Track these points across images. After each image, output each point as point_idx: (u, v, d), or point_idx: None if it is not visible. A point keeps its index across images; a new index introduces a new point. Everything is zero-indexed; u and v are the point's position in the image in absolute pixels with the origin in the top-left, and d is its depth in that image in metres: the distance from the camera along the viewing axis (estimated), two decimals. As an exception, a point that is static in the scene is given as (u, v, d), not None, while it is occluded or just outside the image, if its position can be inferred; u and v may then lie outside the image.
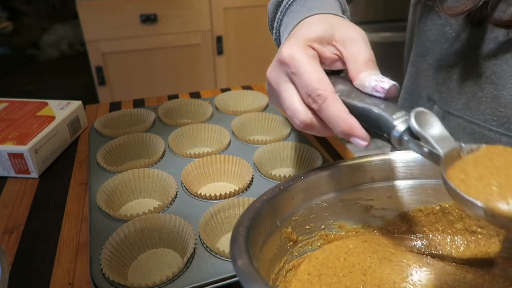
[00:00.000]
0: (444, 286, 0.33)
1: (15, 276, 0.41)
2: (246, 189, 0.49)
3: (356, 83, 0.32)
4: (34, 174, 0.56)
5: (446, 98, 0.52)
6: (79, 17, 1.59)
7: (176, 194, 0.48)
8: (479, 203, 0.24)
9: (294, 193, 0.33)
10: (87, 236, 0.45)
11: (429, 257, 0.35)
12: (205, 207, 0.44)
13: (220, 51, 1.82)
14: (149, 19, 1.65)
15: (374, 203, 0.36)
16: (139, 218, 0.42)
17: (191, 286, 0.36)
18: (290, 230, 0.33)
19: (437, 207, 0.36)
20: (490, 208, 0.23)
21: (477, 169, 0.26)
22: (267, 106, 0.70)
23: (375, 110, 0.30)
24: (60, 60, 2.49)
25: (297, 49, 0.33)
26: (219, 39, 1.80)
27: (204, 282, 0.36)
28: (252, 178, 0.51)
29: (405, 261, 0.35)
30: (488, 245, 0.34)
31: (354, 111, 0.31)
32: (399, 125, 0.28)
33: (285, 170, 0.56)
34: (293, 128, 0.62)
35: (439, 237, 0.36)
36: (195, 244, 0.40)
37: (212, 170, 0.53)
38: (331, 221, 0.36)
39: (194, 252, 0.40)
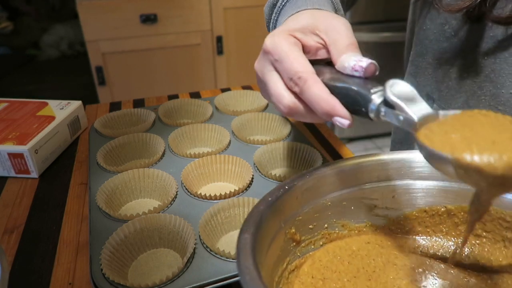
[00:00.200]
0: None
1: (15, 276, 0.41)
2: (246, 189, 0.49)
3: (337, 65, 0.33)
4: (34, 174, 0.56)
5: (445, 96, 0.52)
6: (79, 17, 1.59)
7: (176, 194, 0.48)
8: (447, 155, 0.23)
9: (299, 193, 0.33)
10: (87, 236, 0.45)
11: (432, 259, 0.35)
12: (205, 207, 0.44)
13: (220, 51, 1.83)
14: (149, 19, 1.65)
15: (378, 202, 0.36)
16: (139, 218, 0.42)
17: (191, 286, 0.36)
18: (293, 230, 0.33)
19: (442, 209, 0.35)
20: (456, 159, 0.23)
21: (442, 126, 0.26)
22: (267, 106, 0.70)
23: (354, 87, 0.30)
24: (60, 60, 2.49)
25: (278, 38, 0.34)
26: (219, 39, 1.80)
27: (204, 282, 0.37)
28: (252, 178, 0.51)
29: (408, 264, 0.34)
30: (492, 250, 0.34)
31: (335, 91, 0.31)
32: (376, 98, 0.29)
33: (285, 170, 0.56)
34: (293, 128, 0.62)
35: (442, 239, 0.36)
36: (195, 244, 0.40)
37: (212, 170, 0.53)
38: (334, 220, 0.36)
39: (194, 252, 0.40)
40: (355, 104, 0.30)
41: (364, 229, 0.37)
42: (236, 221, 0.45)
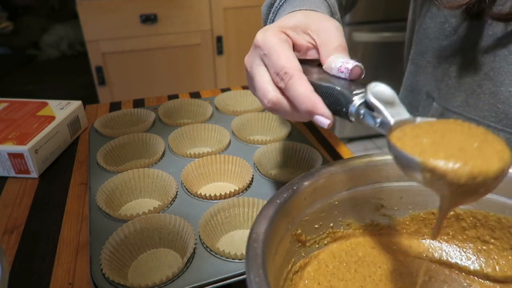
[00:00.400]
0: None
1: (15, 276, 0.41)
2: (246, 189, 0.49)
3: (325, 66, 0.34)
4: (34, 174, 0.56)
5: (445, 95, 0.52)
6: (79, 17, 1.59)
7: (176, 194, 0.48)
8: (414, 158, 0.24)
9: (307, 193, 0.32)
10: (87, 236, 0.45)
11: (437, 264, 0.35)
12: (205, 207, 0.44)
13: (220, 51, 1.83)
14: (149, 19, 1.65)
15: (385, 203, 0.36)
16: (139, 218, 0.42)
17: (191, 286, 0.36)
18: (300, 231, 0.32)
19: (451, 212, 0.35)
20: (422, 162, 0.23)
21: (415, 129, 0.26)
22: (267, 106, 0.70)
23: (338, 88, 0.31)
24: (60, 60, 2.49)
25: (270, 34, 0.34)
26: (219, 39, 1.80)
27: (204, 282, 0.36)
28: (252, 178, 0.51)
29: (414, 272, 0.34)
30: (499, 258, 0.33)
31: (319, 90, 0.32)
32: (357, 100, 0.29)
33: (285, 170, 0.56)
34: (293, 128, 0.62)
35: (448, 242, 0.36)
36: (195, 244, 0.40)
37: (212, 170, 0.53)
38: (340, 219, 0.35)
39: (194, 252, 0.40)
40: (337, 104, 0.31)
41: (369, 228, 0.36)
42: (236, 221, 0.45)
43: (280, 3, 0.44)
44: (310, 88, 0.31)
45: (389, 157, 0.35)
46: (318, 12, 0.38)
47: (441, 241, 0.36)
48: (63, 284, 0.40)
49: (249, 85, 0.38)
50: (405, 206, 0.36)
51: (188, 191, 0.49)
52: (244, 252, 0.38)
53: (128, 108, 0.69)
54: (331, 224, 0.35)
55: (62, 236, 0.46)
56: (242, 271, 0.38)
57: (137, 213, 0.44)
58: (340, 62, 0.32)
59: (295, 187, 0.31)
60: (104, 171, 0.53)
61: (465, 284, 0.33)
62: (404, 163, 0.25)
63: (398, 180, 0.35)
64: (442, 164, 0.23)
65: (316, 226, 0.34)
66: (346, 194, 0.34)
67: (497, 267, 0.33)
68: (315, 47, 0.36)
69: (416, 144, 0.25)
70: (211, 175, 0.53)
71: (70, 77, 2.26)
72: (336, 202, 0.34)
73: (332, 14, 0.43)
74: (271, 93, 0.33)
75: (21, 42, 2.52)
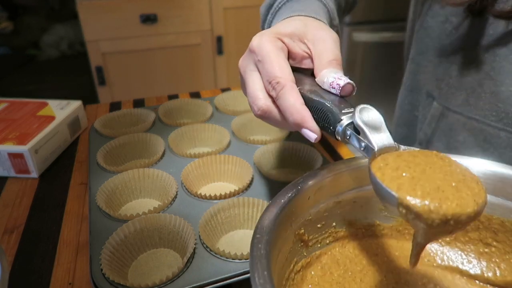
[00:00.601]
0: None
1: (15, 276, 0.41)
2: (246, 189, 0.49)
3: (317, 79, 0.34)
4: (34, 174, 0.56)
5: (445, 94, 0.52)
6: (79, 17, 1.59)
7: (176, 194, 0.48)
8: (392, 192, 0.24)
9: (312, 192, 0.32)
10: (87, 236, 0.45)
11: (439, 269, 0.35)
12: (205, 207, 0.44)
13: (220, 51, 1.83)
14: (149, 19, 1.65)
15: None
16: (139, 218, 0.42)
17: (191, 286, 0.36)
18: (303, 231, 0.32)
19: None
20: (399, 198, 0.23)
21: (397, 160, 0.26)
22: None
23: (328, 104, 0.31)
24: (60, 60, 2.49)
25: (266, 40, 0.34)
26: (219, 39, 1.80)
27: (204, 282, 0.36)
28: (252, 178, 0.51)
29: (419, 280, 0.34)
30: (500, 261, 0.33)
31: (310, 104, 0.32)
32: (345, 120, 0.30)
33: (285, 170, 0.56)
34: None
35: (449, 244, 0.35)
36: (195, 244, 0.40)
37: (212, 170, 0.53)
38: (343, 218, 0.35)
39: (194, 252, 0.40)
40: (325, 121, 0.31)
41: (372, 228, 0.36)
42: (236, 221, 0.45)
43: (279, 5, 0.44)
44: (300, 100, 0.31)
45: None
46: (317, 20, 0.38)
47: (442, 243, 0.36)
48: (63, 284, 0.40)
49: (242, 88, 0.38)
50: None
51: (188, 191, 0.49)
52: (244, 252, 0.38)
53: (128, 108, 0.69)
54: (334, 224, 0.35)
55: (62, 236, 0.46)
56: (242, 271, 0.38)
57: (137, 213, 0.44)
58: (333, 78, 0.32)
59: (299, 186, 0.31)
60: (104, 171, 0.53)
61: None
62: (382, 195, 0.25)
63: None
64: (417, 203, 0.23)
65: (319, 225, 0.34)
66: (350, 194, 0.34)
67: (497, 271, 0.33)
68: (310, 57, 0.36)
69: (396, 177, 0.25)
70: (211, 175, 0.53)
71: (70, 77, 2.26)
72: (340, 202, 0.34)
73: (331, 20, 0.43)
74: (262, 101, 0.33)
75: (21, 42, 2.51)
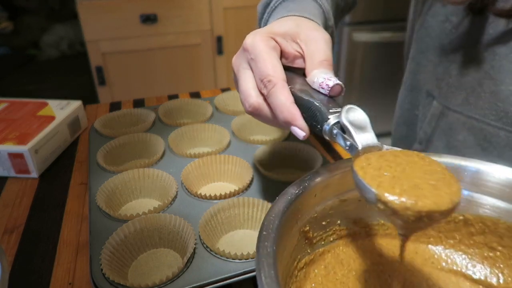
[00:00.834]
0: None
1: (15, 276, 0.41)
2: (246, 189, 0.49)
3: (308, 78, 0.34)
4: (34, 174, 0.56)
5: (445, 93, 0.52)
6: (79, 17, 1.59)
7: (176, 194, 0.48)
8: (372, 189, 0.25)
9: (318, 190, 0.32)
10: (87, 236, 0.45)
11: (443, 272, 0.34)
12: (205, 207, 0.44)
13: (220, 51, 1.83)
14: (149, 19, 1.65)
15: None
16: (139, 218, 0.42)
17: (191, 286, 0.36)
18: (308, 228, 0.32)
19: (460, 217, 0.34)
20: (378, 194, 0.24)
21: (379, 160, 0.27)
22: (267, 106, 0.70)
23: (316, 103, 0.32)
24: (60, 60, 2.49)
25: (259, 39, 0.35)
26: (219, 39, 1.80)
27: (204, 282, 0.36)
28: (252, 178, 0.51)
29: (424, 282, 0.33)
30: (504, 266, 0.33)
31: (300, 102, 0.32)
32: (332, 119, 0.30)
33: (285, 170, 0.56)
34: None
35: (453, 247, 0.35)
36: (195, 244, 0.40)
37: (212, 170, 0.53)
38: (348, 216, 0.35)
39: (194, 252, 0.40)
40: (313, 120, 0.32)
41: (376, 227, 0.36)
42: (236, 221, 0.45)
43: (276, 4, 0.45)
44: (291, 99, 0.32)
45: None
46: (311, 21, 0.39)
47: (447, 246, 0.36)
48: (63, 284, 0.40)
49: (235, 85, 0.39)
50: None
51: (188, 191, 0.49)
52: (244, 252, 0.38)
53: (128, 108, 0.69)
54: (338, 222, 0.35)
55: (62, 236, 0.46)
56: (242, 271, 0.38)
57: (137, 213, 0.44)
58: (322, 78, 0.33)
59: (306, 184, 0.31)
60: (104, 171, 0.53)
61: None
62: (363, 192, 0.26)
63: None
64: (394, 199, 0.24)
65: (324, 223, 0.34)
66: (356, 192, 0.34)
67: (501, 277, 0.33)
68: (302, 57, 0.36)
69: (377, 175, 0.26)
70: (211, 175, 0.53)
71: (70, 77, 2.26)
72: (346, 200, 0.34)
73: (326, 21, 0.44)
74: (253, 98, 0.34)
75: (21, 42, 2.51)
